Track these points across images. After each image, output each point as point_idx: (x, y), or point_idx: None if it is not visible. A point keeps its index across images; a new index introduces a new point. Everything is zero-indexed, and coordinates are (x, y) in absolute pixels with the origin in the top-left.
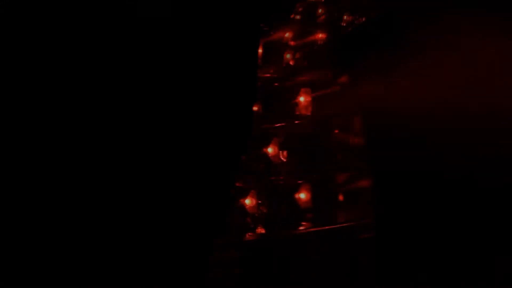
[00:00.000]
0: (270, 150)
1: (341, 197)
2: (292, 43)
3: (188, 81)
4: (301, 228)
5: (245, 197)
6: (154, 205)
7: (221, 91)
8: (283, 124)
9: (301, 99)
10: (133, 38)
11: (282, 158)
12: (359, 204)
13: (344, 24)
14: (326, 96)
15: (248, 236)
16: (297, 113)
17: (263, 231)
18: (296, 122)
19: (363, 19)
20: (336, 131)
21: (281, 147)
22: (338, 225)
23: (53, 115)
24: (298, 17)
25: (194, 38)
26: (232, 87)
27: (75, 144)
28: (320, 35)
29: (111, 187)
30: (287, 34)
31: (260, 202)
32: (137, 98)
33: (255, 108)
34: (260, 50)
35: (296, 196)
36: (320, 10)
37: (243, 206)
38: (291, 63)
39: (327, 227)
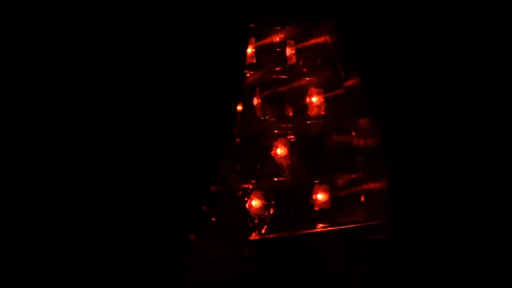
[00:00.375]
0: (279, 151)
1: (357, 198)
2: (298, 42)
3: (172, 79)
4: (318, 228)
5: (252, 198)
6: (129, 202)
7: (205, 90)
8: (292, 125)
9: (313, 99)
10: (128, 37)
11: (291, 159)
12: (376, 205)
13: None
14: (337, 97)
15: (255, 235)
16: (310, 113)
17: (269, 231)
18: (308, 122)
19: None
20: (354, 133)
21: (291, 148)
22: (354, 225)
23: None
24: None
25: (179, 37)
26: (216, 86)
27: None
28: (326, 38)
29: (87, 183)
30: (291, 33)
31: (266, 203)
32: (120, 94)
33: (239, 108)
34: (252, 50)
35: (314, 196)
36: None
37: (250, 207)
38: (295, 62)
39: (343, 227)
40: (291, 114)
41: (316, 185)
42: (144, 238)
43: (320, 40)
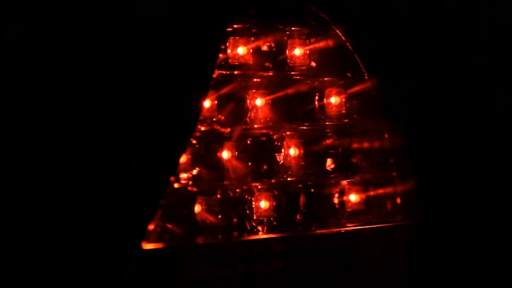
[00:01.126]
0: (292, 151)
1: (384, 198)
2: (310, 43)
3: (133, 72)
4: (350, 227)
5: (259, 199)
6: (77, 201)
7: (167, 83)
8: (306, 126)
9: (332, 100)
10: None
11: (304, 160)
12: (404, 205)
13: None
14: (357, 97)
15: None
16: (329, 114)
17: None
18: (328, 123)
19: None
20: (386, 135)
21: (304, 149)
22: (381, 225)
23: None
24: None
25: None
26: (182, 80)
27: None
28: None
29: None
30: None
31: (275, 204)
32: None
33: (207, 105)
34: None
35: (345, 198)
36: None
37: (257, 208)
38: (308, 63)
39: (371, 226)
40: (304, 114)
41: (347, 186)
42: (89, 242)
43: (334, 41)
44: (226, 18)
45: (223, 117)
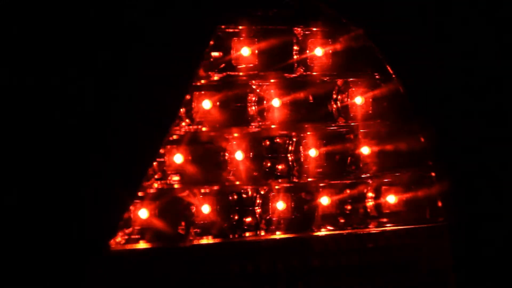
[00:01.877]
0: (313, 152)
1: (422, 199)
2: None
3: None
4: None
5: (277, 199)
6: (46, 197)
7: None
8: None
9: (357, 100)
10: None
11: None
12: (443, 206)
13: None
14: (384, 98)
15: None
16: (353, 115)
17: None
18: (352, 123)
19: None
20: (421, 138)
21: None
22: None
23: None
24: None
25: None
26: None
27: None
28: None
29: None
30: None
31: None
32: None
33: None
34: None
35: (382, 199)
36: None
37: (274, 208)
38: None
39: (399, 228)
40: (325, 115)
41: (383, 187)
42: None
43: (357, 41)
44: (214, 17)
45: (231, 115)
